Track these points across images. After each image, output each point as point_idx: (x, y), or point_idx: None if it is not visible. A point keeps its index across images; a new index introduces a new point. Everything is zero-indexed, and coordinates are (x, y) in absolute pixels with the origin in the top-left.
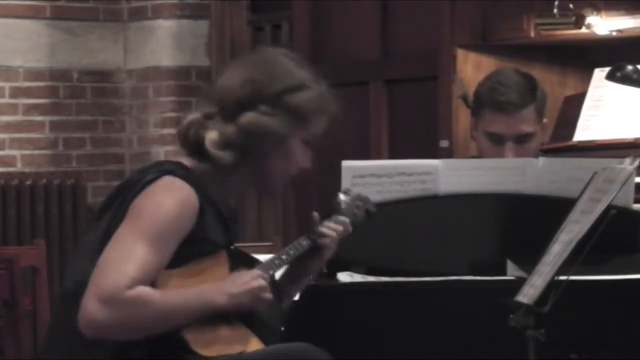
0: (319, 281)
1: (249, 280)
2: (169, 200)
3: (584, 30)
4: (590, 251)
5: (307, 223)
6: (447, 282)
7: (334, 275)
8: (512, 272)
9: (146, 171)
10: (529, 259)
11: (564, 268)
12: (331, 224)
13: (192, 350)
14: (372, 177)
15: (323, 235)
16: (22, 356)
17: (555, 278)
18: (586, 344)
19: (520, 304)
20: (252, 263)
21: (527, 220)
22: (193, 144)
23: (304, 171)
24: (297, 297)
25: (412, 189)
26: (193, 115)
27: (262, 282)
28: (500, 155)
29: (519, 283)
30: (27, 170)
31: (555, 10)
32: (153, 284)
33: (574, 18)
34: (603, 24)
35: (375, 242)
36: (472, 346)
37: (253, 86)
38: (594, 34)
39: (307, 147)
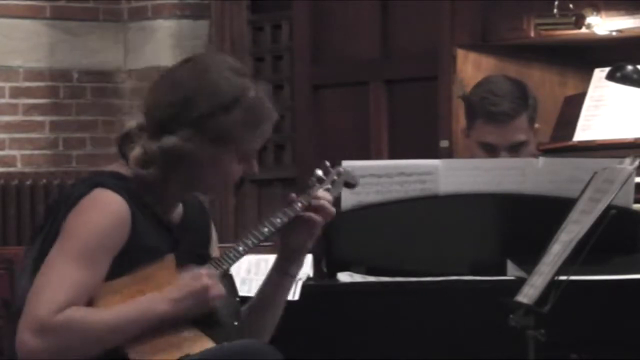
0: (319, 281)
1: (189, 282)
2: (98, 216)
3: (584, 30)
4: (590, 251)
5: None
6: (447, 282)
7: (334, 275)
8: (512, 272)
9: (77, 185)
10: (529, 259)
11: (564, 268)
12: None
13: None
14: (372, 177)
15: (317, 197)
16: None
17: (555, 278)
18: (586, 344)
19: (520, 304)
20: (205, 261)
21: (527, 220)
22: (125, 154)
23: (251, 175)
24: (297, 297)
25: (412, 189)
26: (130, 124)
27: (204, 281)
28: None
29: (519, 283)
30: (27, 170)
31: (555, 10)
32: (93, 298)
33: (574, 18)
34: (603, 24)
35: (375, 242)
36: (472, 346)
37: (174, 110)
38: (594, 34)
39: (246, 158)
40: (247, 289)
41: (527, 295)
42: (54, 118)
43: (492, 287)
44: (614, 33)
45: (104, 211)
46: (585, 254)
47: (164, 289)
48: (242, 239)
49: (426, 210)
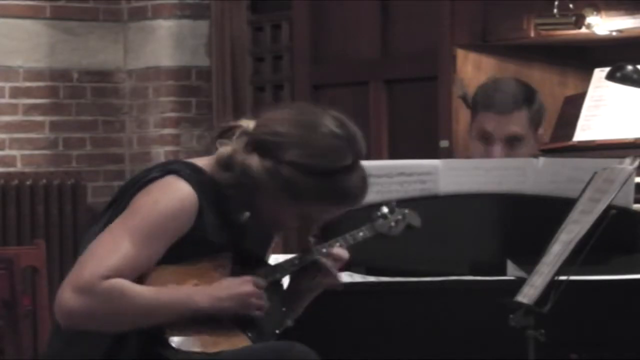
0: None
1: (236, 285)
2: (165, 200)
3: (584, 30)
4: (590, 251)
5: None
6: (447, 282)
7: None
8: (512, 272)
9: (152, 169)
10: (529, 259)
11: (564, 268)
12: (333, 252)
13: (177, 349)
14: (372, 177)
15: (320, 262)
16: (22, 356)
17: (555, 278)
18: (586, 344)
19: (520, 304)
20: (260, 266)
21: (527, 220)
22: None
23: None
24: None
25: (412, 189)
26: (242, 122)
27: (250, 288)
28: (489, 156)
29: (519, 283)
30: (27, 170)
31: (555, 10)
32: (144, 277)
33: (574, 18)
34: (603, 24)
35: (375, 242)
36: (472, 346)
37: (276, 140)
38: (594, 34)
39: (306, 220)
40: None
41: (527, 295)
42: (54, 118)
43: (492, 287)
44: (614, 33)
45: (172, 197)
46: (585, 254)
47: (211, 284)
48: (290, 259)
49: (426, 210)
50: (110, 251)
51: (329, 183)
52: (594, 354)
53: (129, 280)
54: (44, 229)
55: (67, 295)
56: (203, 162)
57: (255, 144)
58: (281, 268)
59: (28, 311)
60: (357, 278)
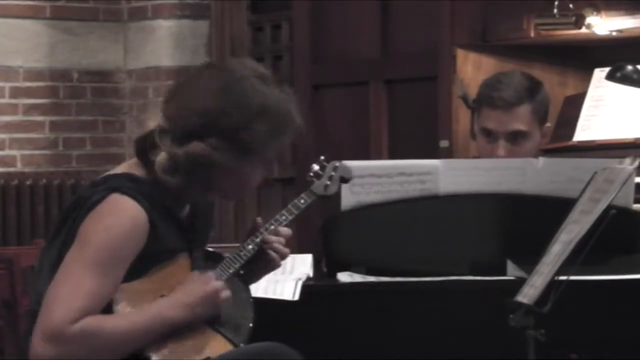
0: (319, 281)
1: (200, 287)
2: (117, 222)
3: (584, 30)
4: (590, 251)
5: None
6: (447, 282)
7: (334, 275)
8: (512, 272)
9: (94, 188)
10: (529, 259)
11: (564, 268)
12: (273, 237)
13: None
14: (372, 177)
15: (268, 242)
16: (22, 356)
17: (555, 278)
18: (586, 344)
19: (520, 304)
20: (217, 260)
21: (527, 220)
22: (146, 157)
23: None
24: (297, 297)
25: (412, 189)
26: (153, 123)
27: (214, 285)
28: (493, 152)
29: (519, 283)
30: (27, 170)
31: (555, 10)
32: (111, 301)
33: (574, 18)
34: (603, 24)
35: (375, 242)
36: (472, 346)
37: (205, 119)
38: (594, 34)
39: (267, 164)
40: (279, 290)
41: (527, 295)
42: (54, 118)
43: (492, 287)
44: (614, 33)
45: (122, 220)
46: (585, 254)
47: (175, 294)
48: (251, 237)
49: (426, 210)
50: (73, 292)
51: (272, 116)
52: (594, 354)
53: (97, 313)
54: (44, 229)
55: (40, 346)
56: (135, 169)
57: (187, 133)
58: (238, 258)
59: (28, 311)
60: (357, 278)
